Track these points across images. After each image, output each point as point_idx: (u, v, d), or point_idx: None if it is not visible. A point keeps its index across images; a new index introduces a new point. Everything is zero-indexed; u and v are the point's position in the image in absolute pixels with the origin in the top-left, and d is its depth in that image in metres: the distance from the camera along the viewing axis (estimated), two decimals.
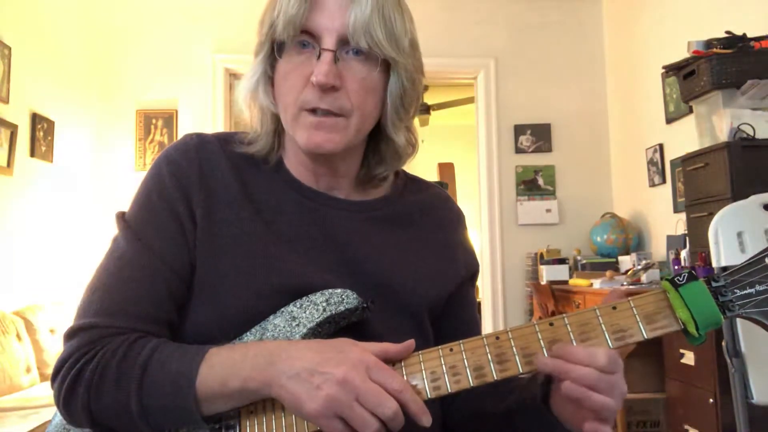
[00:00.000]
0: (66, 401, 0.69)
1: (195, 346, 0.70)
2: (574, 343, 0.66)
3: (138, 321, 0.72)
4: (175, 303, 0.75)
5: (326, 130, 0.75)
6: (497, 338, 0.67)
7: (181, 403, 0.66)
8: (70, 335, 0.72)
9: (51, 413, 0.75)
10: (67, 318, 3.21)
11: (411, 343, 0.67)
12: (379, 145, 0.83)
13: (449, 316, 0.87)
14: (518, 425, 0.76)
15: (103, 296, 0.73)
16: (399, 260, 0.82)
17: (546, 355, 0.66)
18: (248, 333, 0.73)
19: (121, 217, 0.78)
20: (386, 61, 0.75)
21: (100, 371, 0.68)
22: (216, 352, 0.67)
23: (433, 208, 0.90)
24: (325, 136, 0.75)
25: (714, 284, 0.65)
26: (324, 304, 0.72)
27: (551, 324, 0.67)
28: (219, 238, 0.76)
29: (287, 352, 0.64)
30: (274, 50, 0.76)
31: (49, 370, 3.07)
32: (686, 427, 2.59)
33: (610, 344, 0.65)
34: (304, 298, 0.73)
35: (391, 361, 0.67)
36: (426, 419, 0.63)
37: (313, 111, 0.74)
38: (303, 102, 0.74)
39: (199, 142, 0.81)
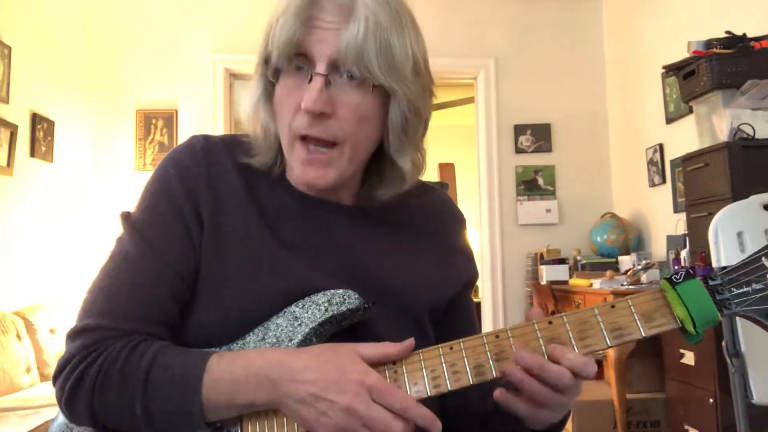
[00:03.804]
0: (69, 402, 0.69)
1: (197, 351, 0.70)
2: (573, 342, 0.67)
3: (140, 323, 0.72)
4: (177, 305, 0.75)
5: (318, 166, 0.73)
6: (497, 337, 0.68)
7: (187, 408, 0.66)
8: (73, 336, 0.72)
9: (51, 413, 0.75)
10: (67, 318, 3.21)
11: (411, 342, 0.68)
12: (383, 167, 0.81)
13: (448, 320, 0.87)
14: (495, 427, 0.79)
15: (106, 297, 0.73)
16: (400, 264, 0.82)
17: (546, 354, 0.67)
18: (251, 333, 0.73)
19: (126, 217, 0.78)
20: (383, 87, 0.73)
21: (103, 375, 0.68)
22: (217, 363, 0.67)
23: (434, 213, 0.90)
24: (317, 172, 0.74)
25: (711, 282, 0.67)
26: (326, 304, 0.73)
27: (550, 323, 0.68)
28: (224, 241, 0.76)
29: (289, 373, 0.65)
30: (269, 70, 0.75)
31: (49, 370, 3.07)
32: (686, 427, 2.59)
33: (608, 342, 0.66)
34: (306, 298, 0.73)
35: (392, 361, 0.68)
36: (436, 428, 0.64)
37: (304, 139, 0.73)
38: (295, 128, 0.73)
39: (206, 145, 0.81)
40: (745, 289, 0.66)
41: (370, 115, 0.74)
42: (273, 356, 0.67)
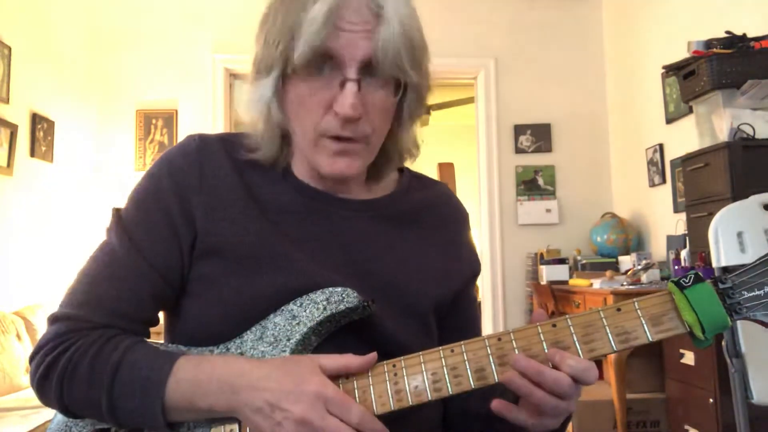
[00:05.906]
0: (39, 386, 0.72)
1: (166, 352, 0.71)
2: (578, 346, 0.65)
3: (116, 318, 0.73)
4: (157, 304, 0.77)
5: (348, 156, 0.74)
6: (499, 339, 0.66)
7: (149, 408, 0.67)
8: (52, 320, 0.74)
9: (51, 413, 0.76)
10: None
11: (373, 355, 0.67)
12: (386, 145, 0.82)
13: (452, 314, 0.86)
14: (497, 428, 0.78)
15: (87, 289, 0.75)
16: (405, 259, 0.82)
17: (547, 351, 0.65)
18: (248, 332, 0.73)
19: (117, 212, 0.79)
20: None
21: (73, 365, 0.69)
22: (183, 366, 0.68)
23: (438, 206, 0.90)
24: (347, 162, 0.74)
25: (721, 286, 0.64)
26: (324, 303, 0.72)
27: (554, 325, 0.66)
28: (222, 237, 0.76)
29: (249, 381, 0.65)
30: (285, 70, 0.73)
31: None
32: (686, 427, 2.59)
33: (613, 347, 0.64)
34: (304, 296, 0.73)
35: (354, 374, 0.67)
36: None
37: (335, 138, 0.73)
38: (324, 130, 0.73)
39: (200, 144, 0.80)
40: (757, 293, 0.63)
41: (391, 107, 0.76)
42: (237, 364, 0.68)
